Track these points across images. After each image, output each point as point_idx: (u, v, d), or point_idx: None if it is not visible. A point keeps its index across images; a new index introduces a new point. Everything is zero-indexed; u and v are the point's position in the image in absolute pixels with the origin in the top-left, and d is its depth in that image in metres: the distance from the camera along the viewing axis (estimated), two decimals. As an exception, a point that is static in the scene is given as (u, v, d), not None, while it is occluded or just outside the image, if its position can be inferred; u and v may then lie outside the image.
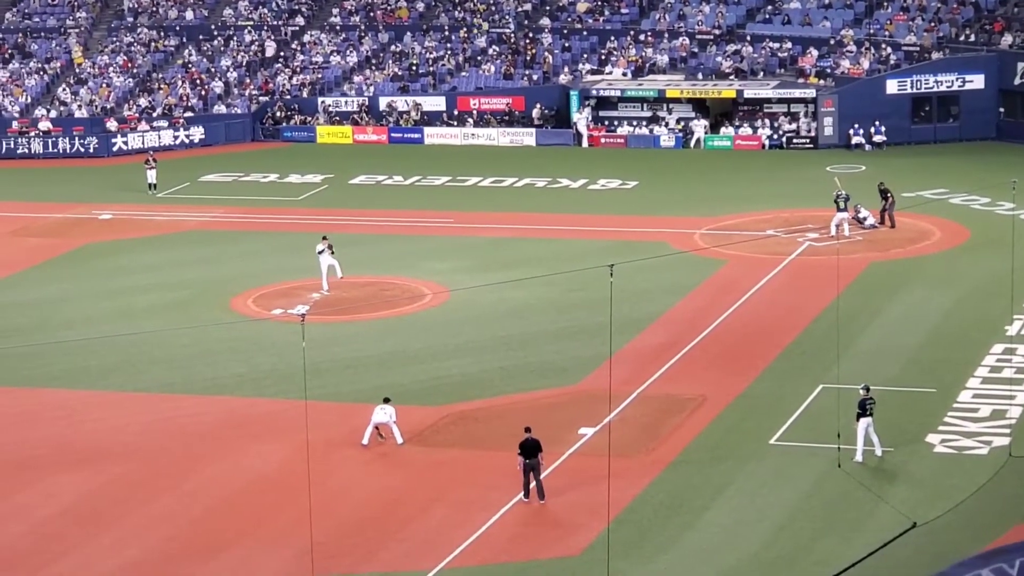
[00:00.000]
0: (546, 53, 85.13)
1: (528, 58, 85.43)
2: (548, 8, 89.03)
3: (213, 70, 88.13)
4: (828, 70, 79.43)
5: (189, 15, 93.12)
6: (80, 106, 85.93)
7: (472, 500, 36.07)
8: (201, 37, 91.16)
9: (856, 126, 75.98)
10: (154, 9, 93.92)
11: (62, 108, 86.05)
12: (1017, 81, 75.70)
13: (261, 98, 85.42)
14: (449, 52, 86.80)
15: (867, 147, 75.60)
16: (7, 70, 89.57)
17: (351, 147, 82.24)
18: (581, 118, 79.97)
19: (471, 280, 53.52)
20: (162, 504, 36.61)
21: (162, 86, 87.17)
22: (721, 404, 41.52)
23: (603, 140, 79.95)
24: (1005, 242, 50.32)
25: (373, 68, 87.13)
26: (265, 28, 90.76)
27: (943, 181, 67.10)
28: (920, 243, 57.72)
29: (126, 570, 33.31)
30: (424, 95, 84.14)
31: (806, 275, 53.48)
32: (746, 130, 78.34)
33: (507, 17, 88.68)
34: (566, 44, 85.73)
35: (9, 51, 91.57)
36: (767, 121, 78.34)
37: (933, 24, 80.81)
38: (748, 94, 78.66)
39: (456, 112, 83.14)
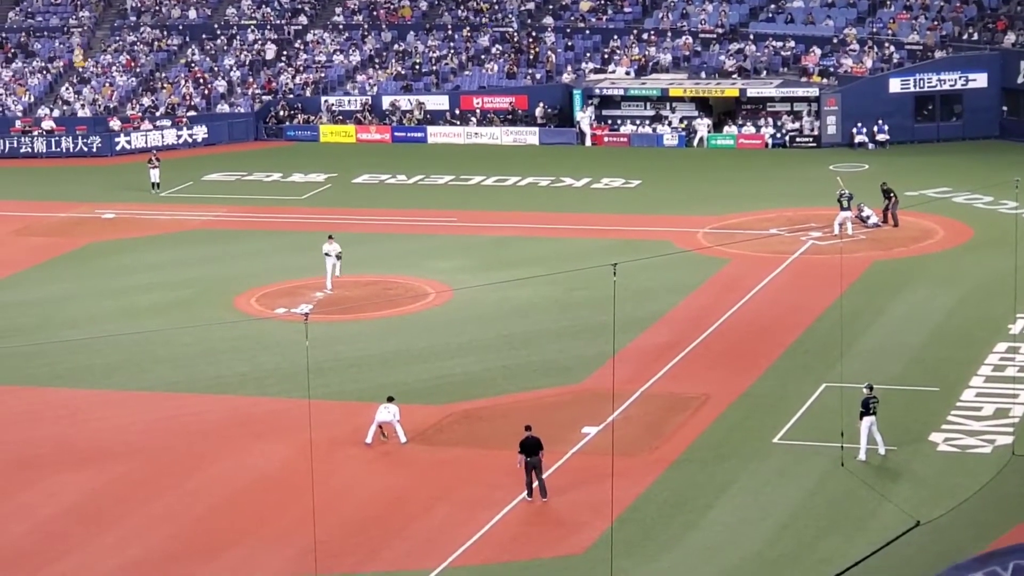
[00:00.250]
0: (549, 52, 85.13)
1: (531, 57, 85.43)
2: (551, 7, 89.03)
3: (216, 69, 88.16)
4: (831, 69, 79.42)
5: (192, 14, 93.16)
6: (83, 105, 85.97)
7: (475, 499, 36.06)
8: (204, 36, 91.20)
9: (859, 125, 75.94)
10: (157, 8, 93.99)
11: (65, 107, 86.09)
12: (1020, 80, 75.66)
13: (264, 97, 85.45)
14: (452, 51, 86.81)
15: (870, 146, 75.57)
16: (10, 69, 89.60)
17: (354, 146, 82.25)
18: (584, 117, 79.97)
19: (474, 279, 53.51)
20: (165, 503, 36.61)
21: (165, 85, 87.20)
22: (724, 403, 41.51)
23: (606, 139, 79.96)
24: (1008, 241, 50.24)
25: (376, 67, 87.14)
26: (268, 27, 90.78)
27: (946, 180, 67.06)
28: (923, 242, 57.69)
29: (128, 569, 33.31)
30: (427, 94, 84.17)
31: (809, 274, 53.45)
32: (749, 129, 78.33)
33: (510, 16, 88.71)
34: (569, 43, 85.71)
35: (12, 50, 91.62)
36: (770, 120, 78.33)
37: (936, 23, 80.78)
38: (751, 93, 78.64)
39: (459, 111, 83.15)
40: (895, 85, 76.66)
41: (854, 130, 75.95)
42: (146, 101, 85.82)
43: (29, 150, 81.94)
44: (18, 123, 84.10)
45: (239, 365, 46.31)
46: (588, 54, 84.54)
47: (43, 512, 36.31)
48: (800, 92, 78.31)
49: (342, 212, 66.31)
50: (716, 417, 40.57)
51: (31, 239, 64.01)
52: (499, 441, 38.71)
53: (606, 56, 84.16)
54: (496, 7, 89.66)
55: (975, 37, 79.37)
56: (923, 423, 39.44)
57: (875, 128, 75.84)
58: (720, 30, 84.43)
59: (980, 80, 76.46)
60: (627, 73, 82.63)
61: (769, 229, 59.52)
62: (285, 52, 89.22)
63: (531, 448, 35.39)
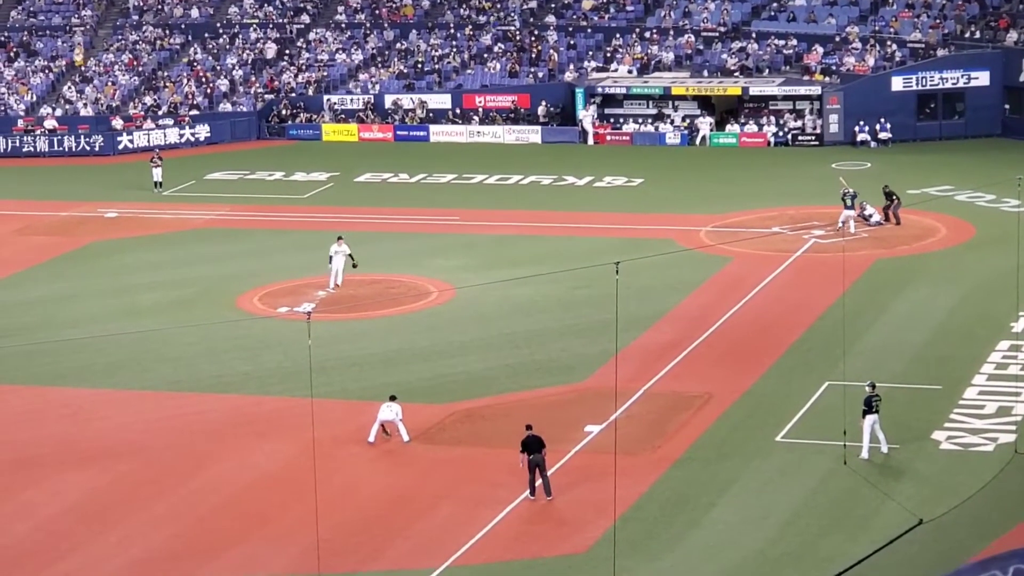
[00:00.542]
0: (551, 51, 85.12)
1: (534, 55, 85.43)
2: (553, 5, 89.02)
3: (218, 68, 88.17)
4: (833, 67, 79.41)
5: (194, 13, 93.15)
6: (85, 104, 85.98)
7: (478, 498, 36.06)
8: (206, 35, 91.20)
9: (861, 123, 75.93)
10: (159, 7, 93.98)
11: (67, 106, 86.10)
12: (1023, 78, 75.61)
13: (266, 96, 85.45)
14: (454, 50, 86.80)
15: (872, 144, 75.55)
16: (13, 68, 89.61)
17: (356, 145, 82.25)
18: (586, 115, 79.98)
19: (477, 278, 53.48)
20: (167, 502, 36.62)
21: (167, 84, 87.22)
22: (727, 401, 41.51)
23: (608, 137, 79.94)
24: (1010, 239, 50.10)
25: (378, 66, 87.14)
26: (270, 26, 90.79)
27: (948, 178, 67.05)
28: (925, 240, 57.68)
29: (132, 567, 33.33)
30: (429, 93, 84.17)
31: (812, 272, 53.46)
32: (751, 127, 78.31)
33: (512, 14, 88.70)
34: (571, 41, 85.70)
35: (15, 49, 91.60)
36: (772, 118, 78.32)
37: (938, 21, 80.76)
38: (753, 91, 78.66)
39: (462, 110, 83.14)
40: (897, 83, 76.63)
41: (856, 128, 75.93)
42: (148, 100, 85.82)
43: (31, 149, 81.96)
44: (20, 122, 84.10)
45: (241, 364, 46.31)
46: (590, 52, 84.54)
47: (46, 511, 36.31)
48: (802, 90, 78.32)
49: (344, 211, 66.30)
50: (719, 415, 40.57)
51: (33, 238, 64.02)
52: (502, 440, 38.69)
53: (608, 55, 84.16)
54: (498, 6, 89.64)
55: (977, 35, 79.34)
56: (926, 421, 39.43)
57: (877, 126, 75.82)
58: (722, 28, 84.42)
59: (982, 78, 76.43)
60: (629, 72, 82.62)
61: (771, 227, 59.52)
62: (287, 51, 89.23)
63: (533, 446, 35.40)
